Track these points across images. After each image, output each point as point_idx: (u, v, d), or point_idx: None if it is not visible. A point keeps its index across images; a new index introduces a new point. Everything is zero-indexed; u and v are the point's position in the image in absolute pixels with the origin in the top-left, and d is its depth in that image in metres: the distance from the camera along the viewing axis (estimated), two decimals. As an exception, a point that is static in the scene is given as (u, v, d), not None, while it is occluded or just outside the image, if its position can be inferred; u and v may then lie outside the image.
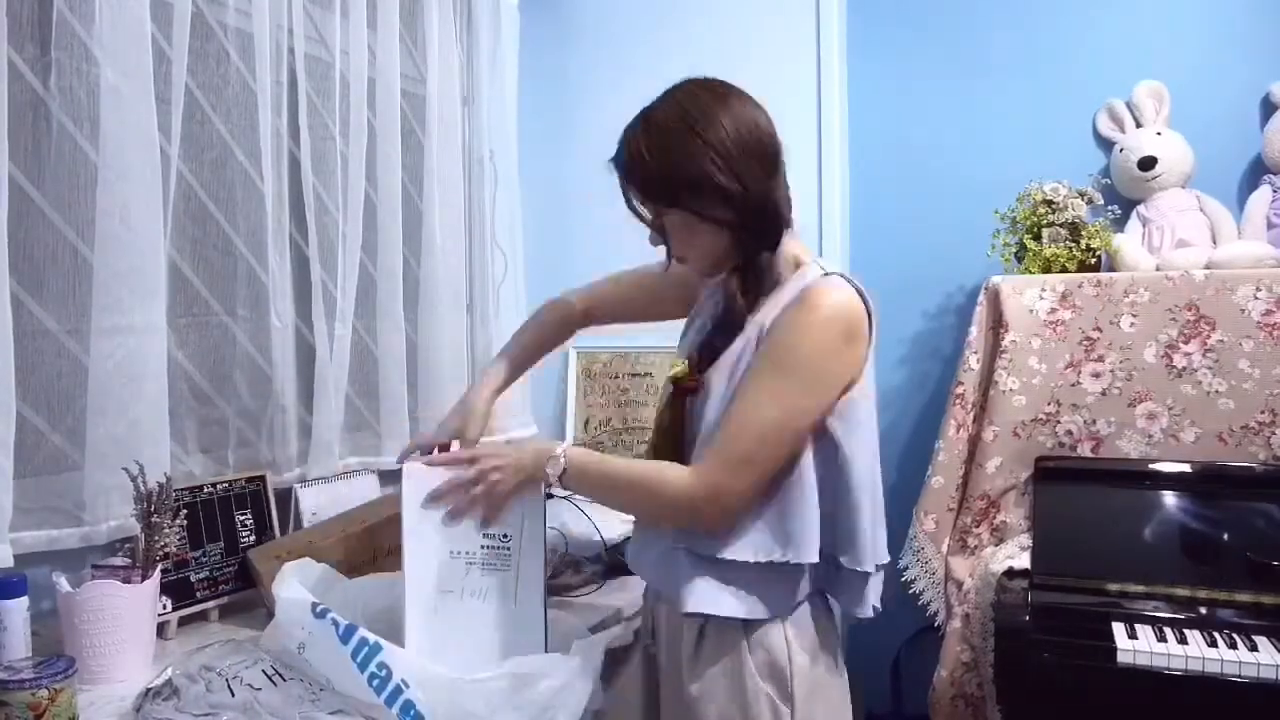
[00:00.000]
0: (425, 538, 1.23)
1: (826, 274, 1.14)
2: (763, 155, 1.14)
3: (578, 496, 1.76)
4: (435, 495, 1.23)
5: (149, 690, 1.12)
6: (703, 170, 1.10)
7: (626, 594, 1.60)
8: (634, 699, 1.38)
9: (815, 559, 1.12)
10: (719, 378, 1.16)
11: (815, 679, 1.15)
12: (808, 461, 1.12)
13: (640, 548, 1.29)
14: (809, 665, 1.15)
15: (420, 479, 1.24)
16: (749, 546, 1.12)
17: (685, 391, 1.19)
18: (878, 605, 1.18)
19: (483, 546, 1.21)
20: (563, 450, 1.19)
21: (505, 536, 1.20)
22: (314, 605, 1.19)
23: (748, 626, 1.14)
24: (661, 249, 1.21)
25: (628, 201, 1.18)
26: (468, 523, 1.23)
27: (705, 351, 1.20)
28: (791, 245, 1.20)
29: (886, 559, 1.18)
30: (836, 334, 1.09)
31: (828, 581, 1.18)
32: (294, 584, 1.26)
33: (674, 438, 1.19)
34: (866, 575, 1.15)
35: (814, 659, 1.16)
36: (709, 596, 1.13)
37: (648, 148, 1.13)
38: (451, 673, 1.10)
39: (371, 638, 1.13)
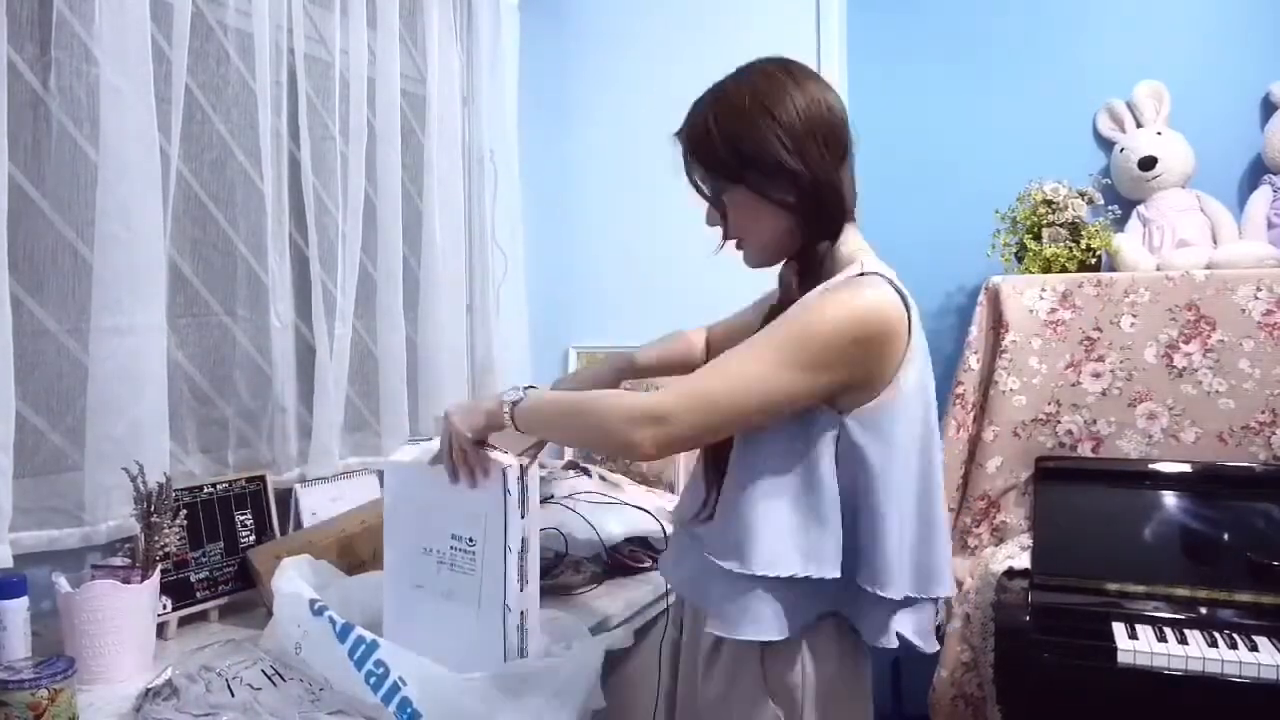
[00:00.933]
0: (403, 532, 1.25)
1: (863, 273, 1.06)
2: (831, 139, 1.11)
3: (577, 497, 1.78)
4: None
5: (149, 690, 1.13)
6: (769, 148, 1.07)
7: (626, 594, 1.60)
8: (652, 687, 1.38)
9: (835, 574, 1.04)
10: None
11: (829, 702, 1.08)
12: (827, 469, 1.04)
13: (675, 561, 1.23)
14: (823, 687, 1.08)
15: (401, 474, 1.27)
16: (769, 559, 1.04)
17: None
18: (915, 640, 1.07)
19: (451, 547, 1.20)
20: (524, 387, 1.15)
21: (471, 540, 1.18)
22: (312, 603, 1.20)
23: (765, 644, 1.07)
24: (718, 230, 1.16)
25: (689, 176, 1.15)
26: (441, 520, 1.21)
27: None
28: (851, 240, 1.16)
29: (942, 593, 1.08)
30: (847, 329, 1.01)
31: (846, 602, 1.08)
32: (293, 579, 1.27)
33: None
34: (891, 602, 1.05)
35: (830, 681, 1.08)
36: (731, 619, 1.06)
37: (717, 121, 1.10)
38: (449, 671, 1.10)
39: (368, 635, 1.14)
